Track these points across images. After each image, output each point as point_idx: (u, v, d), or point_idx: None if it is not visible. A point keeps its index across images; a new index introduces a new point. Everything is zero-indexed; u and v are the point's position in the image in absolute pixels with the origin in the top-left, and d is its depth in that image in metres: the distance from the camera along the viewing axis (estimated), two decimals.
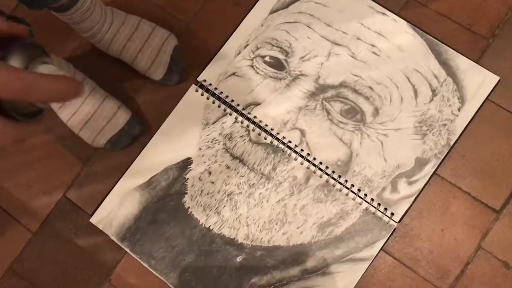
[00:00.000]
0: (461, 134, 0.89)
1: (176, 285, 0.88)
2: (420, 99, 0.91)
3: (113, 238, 0.91)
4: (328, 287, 0.85)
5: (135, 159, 0.94)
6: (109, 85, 0.95)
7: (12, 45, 0.35)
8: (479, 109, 0.90)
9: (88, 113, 0.91)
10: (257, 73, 0.95)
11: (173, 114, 0.94)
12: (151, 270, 0.89)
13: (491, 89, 0.90)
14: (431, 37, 0.93)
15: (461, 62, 0.92)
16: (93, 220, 0.92)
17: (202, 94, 0.94)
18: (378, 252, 0.86)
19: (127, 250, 0.90)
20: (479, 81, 0.91)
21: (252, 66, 0.95)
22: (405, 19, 0.95)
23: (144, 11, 0.98)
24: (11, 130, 0.33)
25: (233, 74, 0.95)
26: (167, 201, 0.91)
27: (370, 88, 0.91)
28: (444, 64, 0.92)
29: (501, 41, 0.93)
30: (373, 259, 0.86)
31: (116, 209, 0.92)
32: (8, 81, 0.30)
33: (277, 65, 0.94)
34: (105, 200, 0.93)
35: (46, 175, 0.96)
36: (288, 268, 0.86)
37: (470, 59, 0.92)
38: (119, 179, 0.93)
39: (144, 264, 0.89)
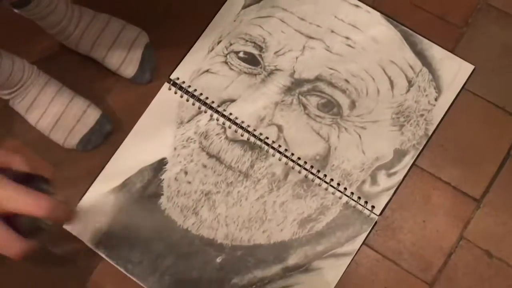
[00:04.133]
0: (438, 124, 0.88)
1: None
2: (396, 90, 0.90)
3: (88, 244, 0.88)
4: (311, 284, 0.83)
5: (108, 161, 0.91)
6: (78, 86, 0.92)
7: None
8: (455, 98, 0.89)
9: (56, 113, 0.88)
10: (231, 69, 0.93)
11: (146, 113, 0.92)
12: (128, 275, 0.86)
13: (466, 78, 0.90)
14: (405, 28, 0.93)
15: (436, 52, 0.91)
16: (67, 226, 0.89)
17: (175, 92, 0.92)
18: (360, 246, 0.84)
19: (103, 255, 0.87)
20: (454, 70, 0.90)
21: (226, 63, 0.93)
22: (378, 11, 0.94)
23: (113, 9, 0.95)
24: (22, 243, 0.43)
25: (207, 71, 0.93)
26: (143, 203, 0.88)
27: (346, 81, 0.90)
28: (419, 54, 0.91)
29: (474, 30, 0.93)
30: (355, 254, 0.84)
31: (91, 213, 0.89)
32: (39, 202, 0.43)
33: (251, 60, 0.93)
34: (78, 205, 0.90)
35: None
36: (269, 267, 0.84)
37: (445, 49, 0.92)
38: (93, 183, 0.90)
39: (121, 270, 0.86)
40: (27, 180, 0.46)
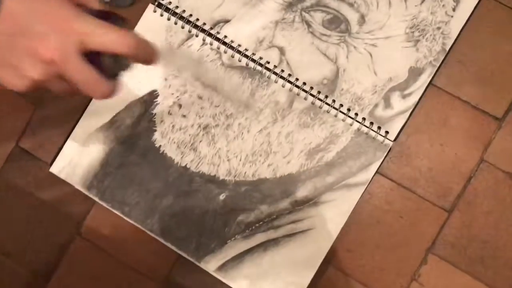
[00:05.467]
0: (457, 38, 0.80)
1: (156, 231, 0.79)
2: (410, 1, 0.80)
3: (78, 187, 0.81)
4: (322, 217, 0.78)
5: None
6: None
7: None
8: (476, 7, 0.80)
9: None
10: None
11: None
12: (125, 218, 0.80)
13: None
14: None
15: None
16: (54, 169, 0.82)
17: (161, 15, 0.81)
18: (374, 175, 0.78)
19: (96, 199, 0.80)
20: None
21: None
22: None
23: None
24: (107, 85, 0.43)
25: None
26: (135, 141, 0.81)
27: None
28: None
29: None
30: (369, 183, 0.78)
31: (79, 154, 0.81)
32: (125, 38, 0.41)
33: None
34: (64, 146, 0.82)
35: None
36: (277, 202, 0.78)
37: None
38: (78, 121, 0.82)
39: (117, 212, 0.80)
40: (103, 18, 0.42)
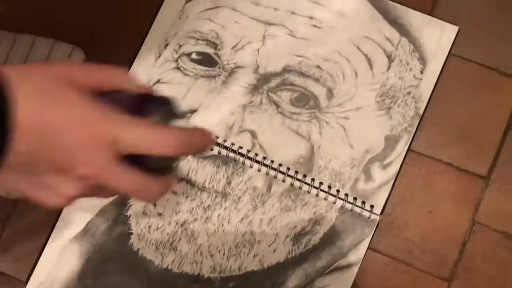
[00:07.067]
0: (429, 100, 0.78)
1: None
2: (376, 69, 0.79)
3: None
4: None
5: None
6: None
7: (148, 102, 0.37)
8: (443, 67, 0.79)
9: None
10: (186, 75, 0.80)
11: None
12: None
13: (451, 41, 0.79)
14: None
15: (413, 18, 0.80)
16: (30, 287, 0.77)
17: None
18: (365, 252, 0.75)
19: None
20: (437, 35, 0.79)
21: (178, 68, 0.81)
22: None
23: (36, 28, 0.81)
24: (157, 185, 0.37)
25: (158, 81, 0.81)
26: (111, 247, 0.77)
27: (318, 67, 0.78)
28: (395, 23, 0.80)
29: None
30: (361, 262, 0.74)
31: (55, 268, 0.77)
32: (165, 137, 0.35)
33: (207, 61, 0.80)
34: (39, 261, 0.77)
35: None
36: None
37: (422, 12, 0.80)
38: (51, 233, 0.78)
39: None
40: (142, 102, 0.37)
